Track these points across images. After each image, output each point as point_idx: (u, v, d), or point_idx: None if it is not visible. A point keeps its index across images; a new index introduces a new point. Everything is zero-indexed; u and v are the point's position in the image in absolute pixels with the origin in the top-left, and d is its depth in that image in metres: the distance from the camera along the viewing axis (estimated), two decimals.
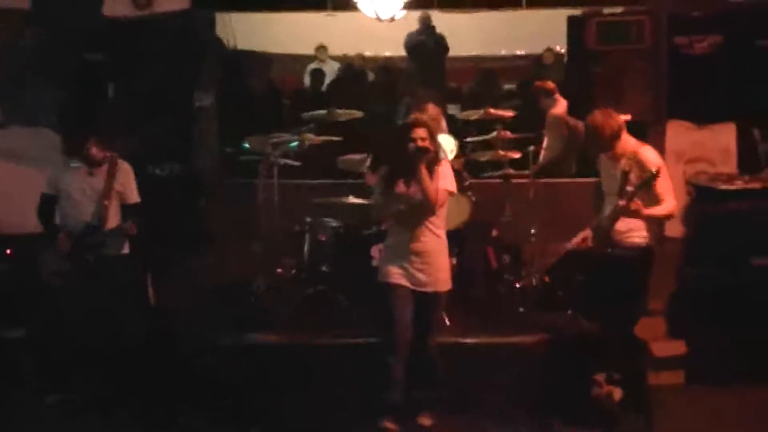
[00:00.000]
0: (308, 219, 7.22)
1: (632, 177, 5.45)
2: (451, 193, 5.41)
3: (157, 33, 7.72)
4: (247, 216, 7.36)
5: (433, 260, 5.27)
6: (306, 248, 7.02)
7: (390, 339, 5.12)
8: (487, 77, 11.28)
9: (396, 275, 5.21)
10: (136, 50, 7.63)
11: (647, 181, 5.31)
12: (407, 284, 5.21)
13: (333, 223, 7.11)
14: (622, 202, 5.34)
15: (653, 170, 5.37)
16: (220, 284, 7.02)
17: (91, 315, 5.50)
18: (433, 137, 5.26)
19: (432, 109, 7.30)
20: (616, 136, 5.62)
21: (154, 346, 5.73)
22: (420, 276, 5.24)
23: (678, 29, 7.71)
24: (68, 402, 5.58)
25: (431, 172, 5.32)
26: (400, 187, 5.35)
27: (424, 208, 5.24)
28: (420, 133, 5.23)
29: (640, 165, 5.53)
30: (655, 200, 5.52)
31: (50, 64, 7.42)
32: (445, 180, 5.39)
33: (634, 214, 5.34)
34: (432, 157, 5.28)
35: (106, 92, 7.73)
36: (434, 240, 5.30)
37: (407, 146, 5.18)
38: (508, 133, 7.63)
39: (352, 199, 7.02)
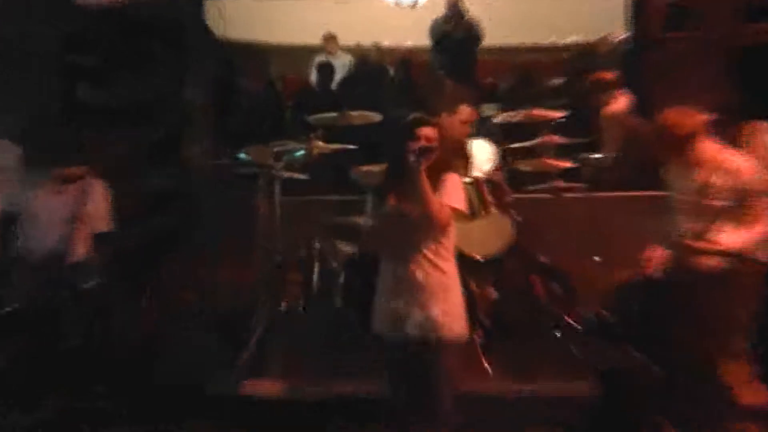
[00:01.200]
0: (317, 243, 6.88)
1: (716, 189, 5.25)
2: (459, 212, 4.76)
3: (137, 23, 7.54)
4: (245, 239, 7.02)
5: (434, 300, 4.65)
6: (315, 278, 6.70)
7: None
8: (529, 72, 10.71)
9: (384, 321, 4.76)
10: (111, 44, 7.47)
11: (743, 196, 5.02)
12: (399, 333, 4.68)
13: (347, 247, 6.78)
14: (699, 224, 5.15)
15: (746, 181, 5.15)
16: (212, 320, 6.65)
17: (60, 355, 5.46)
18: (456, 141, 5.33)
19: (465, 111, 6.97)
20: (693, 138, 5.36)
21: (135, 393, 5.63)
22: (415, 320, 4.67)
23: (757, 15, 7.57)
24: None
25: (435, 183, 4.68)
26: (392, 200, 4.72)
27: (422, 230, 4.62)
28: (427, 133, 4.72)
29: (727, 174, 5.29)
30: (746, 221, 5.28)
31: (10, 63, 7.27)
32: (451, 194, 4.71)
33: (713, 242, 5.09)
34: (442, 164, 4.75)
35: (76, 95, 7.57)
36: (436, 274, 4.67)
37: (406, 148, 4.64)
38: (556, 138, 7.25)
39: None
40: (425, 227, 4.60)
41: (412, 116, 4.82)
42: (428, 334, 4.61)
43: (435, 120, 4.84)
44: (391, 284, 4.70)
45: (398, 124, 4.76)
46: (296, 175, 7.30)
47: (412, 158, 4.53)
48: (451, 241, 4.73)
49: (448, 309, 4.66)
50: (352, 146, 7.26)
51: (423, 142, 4.60)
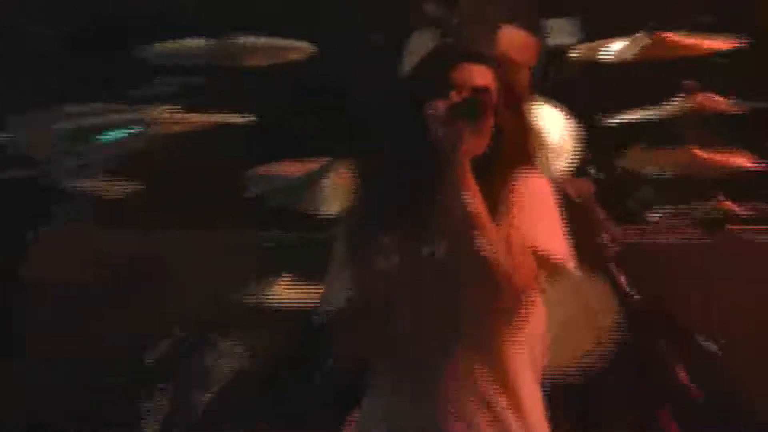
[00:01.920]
0: (180, 331, 3.94)
1: None
2: (552, 265, 2.14)
3: None
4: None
5: None
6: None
7: None
8: None
9: None
10: None
11: None
12: None
13: (233, 345, 3.90)
14: None
15: None
16: None
17: None
18: (513, 96, 2.24)
19: (511, 34, 3.52)
20: None
21: None
22: None
23: None
24: None
25: (496, 195, 2.14)
26: (395, 237, 2.20)
27: (469, 304, 2.15)
28: (471, 76, 2.19)
29: None
30: None
31: None
32: (538, 224, 2.17)
33: None
34: (509, 152, 2.20)
35: None
36: (496, 396, 2.21)
37: (428, 114, 2.13)
38: (721, 101, 3.57)
39: (281, 288, 3.57)
40: (477, 299, 2.08)
41: (440, 43, 3.08)
42: None
43: (493, 54, 2.58)
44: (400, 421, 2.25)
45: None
46: (117, 183, 3.77)
47: (444, 137, 2.05)
48: (537, 330, 2.21)
49: None
50: (244, 119, 3.70)
51: (464, 94, 2.10)
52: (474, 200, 1.99)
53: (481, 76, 2.10)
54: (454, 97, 2.04)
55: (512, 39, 3.35)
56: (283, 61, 3.63)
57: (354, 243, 2.15)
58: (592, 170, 3.62)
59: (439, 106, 2.02)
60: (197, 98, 3.63)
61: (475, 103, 2.02)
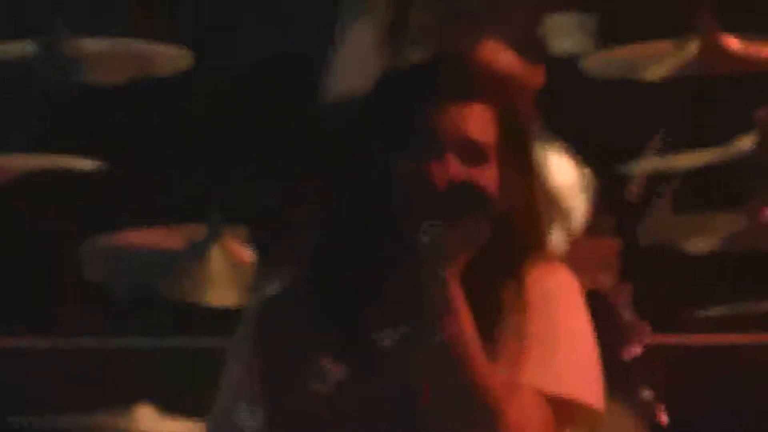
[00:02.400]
0: None
1: None
2: (579, 413, 1.56)
3: None
4: None
5: None
6: None
7: None
8: None
9: None
10: None
11: None
12: None
13: None
14: None
15: None
16: None
17: None
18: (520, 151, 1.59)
19: (505, 38, 2.24)
20: None
21: None
22: None
23: None
24: None
25: (494, 303, 1.51)
26: (333, 366, 1.55)
27: None
28: (462, 125, 1.53)
29: None
30: None
31: None
32: (556, 350, 1.53)
33: None
34: (510, 231, 1.56)
35: None
36: None
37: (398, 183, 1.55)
38: None
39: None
40: None
41: (405, 62, 1.93)
42: None
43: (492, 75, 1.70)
44: None
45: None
46: None
47: (424, 249, 1.56)
48: None
49: None
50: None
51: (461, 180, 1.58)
52: (461, 327, 1.54)
53: (477, 123, 1.58)
54: (438, 181, 1.54)
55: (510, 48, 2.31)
56: (145, 75, 2.48)
57: (267, 353, 1.61)
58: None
59: (413, 179, 1.52)
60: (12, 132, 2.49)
61: (473, 190, 1.54)
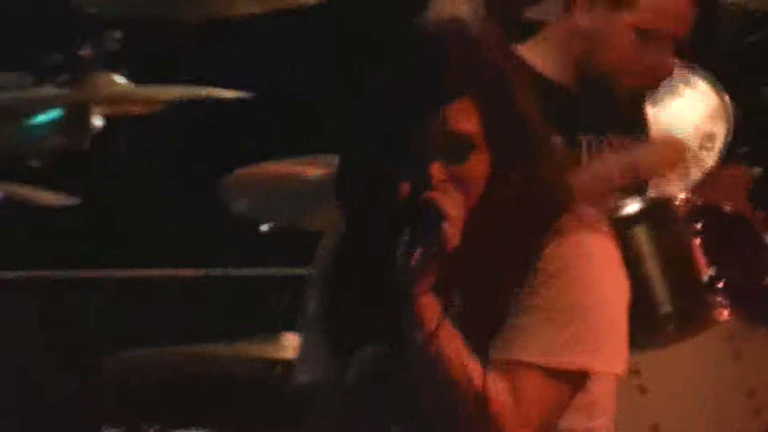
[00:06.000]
0: None
1: None
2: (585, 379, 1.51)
3: None
4: None
5: None
6: None
7: None
8: None
9: None
10: None
11: None
12: None
13: None
14: None
15: None
16: None
17: None
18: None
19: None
20: None
21: None
22: None
23: None
24: None
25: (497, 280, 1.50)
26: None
27: None
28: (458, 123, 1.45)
29: None
30: None
31: None
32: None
33: None
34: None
35: None
36: None
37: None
38: None
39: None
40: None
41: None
42: None
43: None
44: None
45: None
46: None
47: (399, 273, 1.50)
48: None
49: None
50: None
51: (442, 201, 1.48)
52: (435, 337, 1.48)
53: (458, 115, 1.51)
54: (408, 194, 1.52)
55: None
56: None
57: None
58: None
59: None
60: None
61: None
